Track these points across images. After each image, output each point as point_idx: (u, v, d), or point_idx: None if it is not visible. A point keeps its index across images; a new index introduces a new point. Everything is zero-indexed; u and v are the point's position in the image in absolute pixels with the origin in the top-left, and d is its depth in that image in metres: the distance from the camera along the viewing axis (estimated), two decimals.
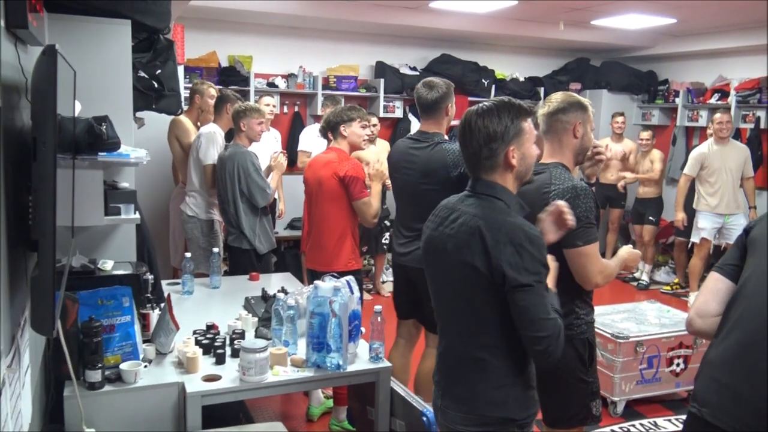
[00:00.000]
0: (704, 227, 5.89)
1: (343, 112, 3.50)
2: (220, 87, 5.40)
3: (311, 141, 5.34)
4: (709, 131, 6.31)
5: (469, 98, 7.44)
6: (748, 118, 6.89)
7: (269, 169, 4.14)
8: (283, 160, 4.16)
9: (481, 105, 1.85)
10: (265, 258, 4.05)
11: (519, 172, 1.84)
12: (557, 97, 2.37)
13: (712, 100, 7.20)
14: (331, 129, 3.51)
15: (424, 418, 2.23)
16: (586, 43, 7.56)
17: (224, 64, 6.51)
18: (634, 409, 3.86)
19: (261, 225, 4.00)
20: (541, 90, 7.85)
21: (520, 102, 1.87)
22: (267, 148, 4.77)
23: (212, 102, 4.59)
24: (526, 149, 1.83)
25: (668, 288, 6.65)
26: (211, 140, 4.22)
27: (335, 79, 6.81)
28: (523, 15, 6.46)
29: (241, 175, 3.87)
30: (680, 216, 6.05)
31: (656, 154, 6.80)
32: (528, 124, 1.83)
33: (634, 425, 3.70)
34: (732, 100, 6.91)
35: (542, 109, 2.37)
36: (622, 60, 8.14)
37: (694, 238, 6.02)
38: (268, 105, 5.15)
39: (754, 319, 1.58)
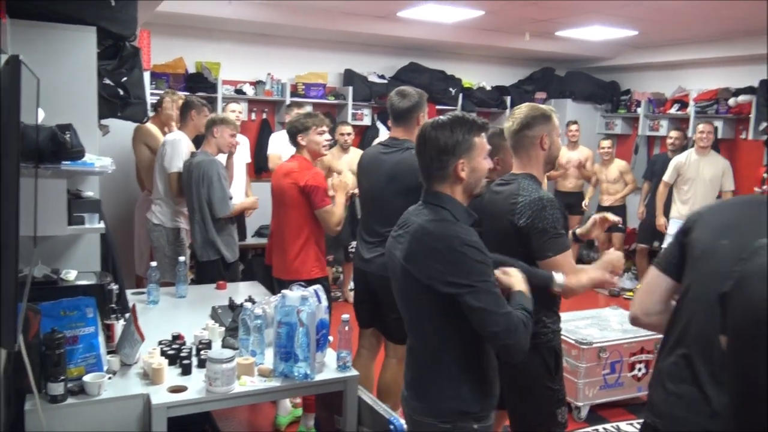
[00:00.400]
0: (672, 233, 6.05)
1: (298, 121, 3.50)
2: (186, 93, 5.36)
3: (281, 144, 5.32)
4: (668, 140, 6.50)
5: (437, 107, 7.51)
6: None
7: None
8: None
9: (437, 118, 1.93)
10: (232, 267, 4.03)
11: (468, 184, 1.91)
12: (521, 112, 2.39)
13: (672, 111, 7.39)
14: (290, 138, 3.53)
15: (391, 426, 2.24)
16: (551, 54, 7.70)
17: (191, 70, 6.47)
18: (597, 414, 3.93)
19: (228, 234, 3.98)
20: (508, 99, 7.97)
21: (475, 117, 1.94)
22: (235, 154, 4.74)
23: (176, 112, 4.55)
24: (477, 163, 1.90)
25: (631, 294, 6.79)
26: (176, 148, 4.18)
27: (304, 87, 6.82)
28: (490, 25, 6.56)
29: (205, 183, 3.84)
30: (661, 221, 6.20)
31: (623, 164, 6.93)
32: (480, 140, 1.91)
33: (597, 430, 3.77)
34: (691, 110, 7.11)
35: (507, 124, 2.41)
36: (585, 70, 8.31)
37: (664, 244, 6.19)
38: (234, 111, 5.13)
39: (696, 340, 1.59)
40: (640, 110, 7.75)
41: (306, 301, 2.35)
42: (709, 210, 1.77)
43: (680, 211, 5.98)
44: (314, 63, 7.05)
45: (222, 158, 4.12)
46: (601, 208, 7.07)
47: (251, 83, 6.71)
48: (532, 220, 2.23)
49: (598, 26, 6.31)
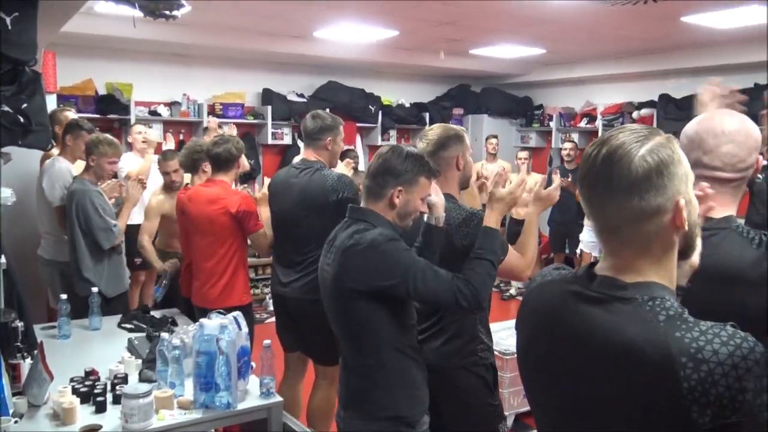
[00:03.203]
0: (583, 239, 6.33)
1: (238, 143, 3.43)
2: (86, 115, 5.15)
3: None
4: (563, 152, 6.86)
5: (358, 124, 7.58)
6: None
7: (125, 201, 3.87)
8: (135, 190, 3.88)
9: (402, 146, 2.08)
10: (114, 301, 3.73)
11: (399, 213, 2.02)
12: (435, 133, 2.40)
13: (582, 124, 7.75)
14: (226, 162, 3.37)
15: None
16: (466, 71, 7.92)
17: (102, 91, 6.25)
18: (522, 422, 4.03)
19: (110, 266, 3.72)
20: (426, 115, 8.12)
21: (432, 164, 2.06)
22: (150, 179, 4.60)
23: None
24: (413, 199, 2.02)
25: None
26: (55, 178, 3.89)
27: (221, 107, 6.72)
28: (406, 44, 6.68)
29: (80, 215, 3.59)
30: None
31: (538, 177, 7.17)
32: (425, 181, 2.02)
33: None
34: (599, 123, 7.46)
35: (421, 145, 2.41)
36: (500, 86, 8.59)
37: (578, 249, 6.48)
38: (140, 134, 4.97)
39: None
40: (552, 124, 8.08)
41: (225, 329, 2.30)
42: None
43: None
44: (231, 82, 6.97)
45: (137, 162, 3.85)
46: (513, 220, 7.28)
47: (166, 104, 6.55)
48: (474, 237, 2.21)
49: (508, 45, 6.54)
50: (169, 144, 5.20)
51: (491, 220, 2.13)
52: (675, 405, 0.93)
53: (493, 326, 4.39)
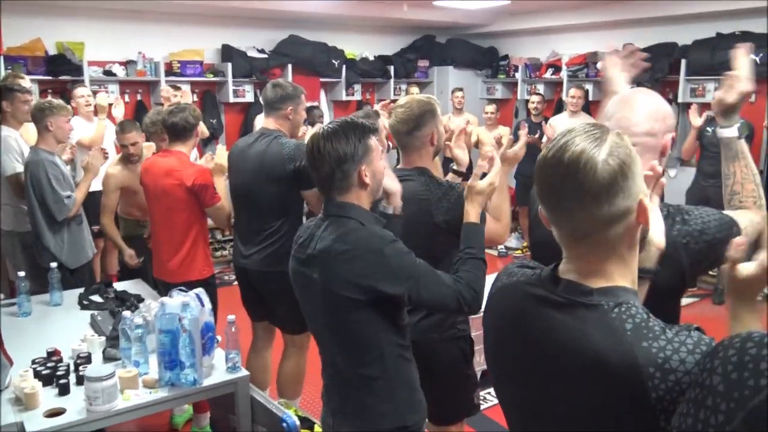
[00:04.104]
0: None
1: (194, 111, 3.30)
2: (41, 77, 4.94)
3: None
4: (531, 104, 6.81)
5: (321, 79, 7.44)
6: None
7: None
8: (97, 161, 3.80)
9: (326, 128, 1.86)
10: (78, 272, 3.68)
11: (372, 189, 1.88)
12: (410, 111, 2.31)
13: (547, 75, 7.71)
14: (183, 132, 3.25)
15: (284, 424, 2.25)
16: (431, 22, 7.77)
17: (52, 52, 5.99)
18: (488, 377, 4.12)
19: (70, 237, 3.65)
20: (391, 68, 8.00)
21: (363, 120, 1.89)
22: (105, 145, 4.48)
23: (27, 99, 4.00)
24: (375, 166, 1.87)
25: (519, 252, 7.14)
26: (5, 148, 3.78)
27: (179, 65, 6.51)
28: None
29: (35, 186, 3.51)
30: None
31: (506, 131, 7.16)
32: (374, 141, 1.87)
33: (490, 392, 3.96)
34: (564, 74, 7.44)
35: (393, 122, 2.33)
36: (465, 37, 8.47)
37: None
38: (82, 96, 4.81)
39: None
40: (518, 75, 8.02)
41: (188, 306, 2.28)
42: None
43: None
44: (189, 39, 6.73)
45: (85, 127, 3.68)
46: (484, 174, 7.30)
47: (121, 63, 6.32)
48: (455, 212, 2.19)
49: None
50: (119, 108, 5.02)
51: (472, 215, 2.00)
52: (643, 414, 0.94)
53: None
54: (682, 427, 0.73)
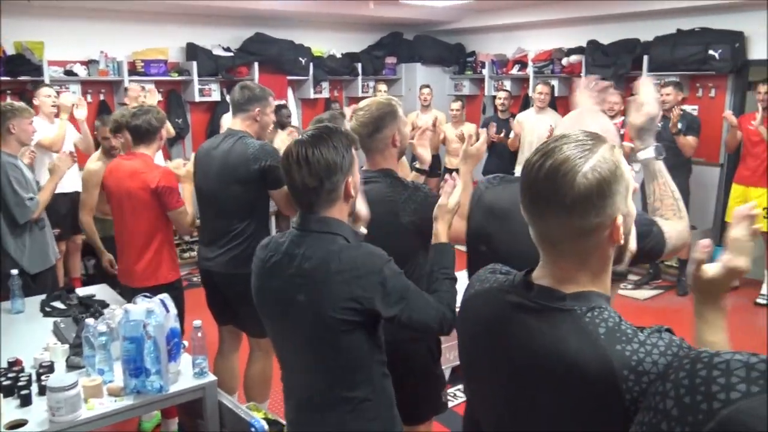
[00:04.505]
0: None
1: (158, 113, 3.24)
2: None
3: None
4: (497, 101, 6.85)
5: (288, 77, 7.39)
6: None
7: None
8: (64, 164, 3.69)
9: (311, 135, 1.73)
10: (40, 278, 3.57)
11: (353, 202, 1.79)
12: (369, 113, 2.29)
13: (514, 71, 7.77)
14: (147, 134, 3.19)
15: (252, 429, 2.24)
16: (398, 19, 7.78)
17: (10, 52, 5.84)
18: (458, 374, 4.16)
19: (32, 241, 3.55)
20: (359, 66, 7.98)
21: (346, 130, 1.80)
22: (66, 147, 4.39)
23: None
24: (356, 178, 1.78)
25: None
26: None
27: (143, 64, 6.41)
28: None
29: None
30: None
31: (472, 127, 7.20)
32: (354, 153, 1.78)
33: (459, 389, 4.00)
34: (530, 70, 7.51)
35: (354, 125, 2.31)
36: (432, 34, 8.50)
37: None
38: (49, 96, 4.71)
39: None
40: (485, 71, 8.07)
41: (152, 313, 2.25)
42: None
43: (517, 170, 6.36)
44: (153, 38, 6.63)
45: (46, 127, 3.56)
46: (447, 171, 7.34)
47: (83, 63, 6.20)
48: (422, 213, 2.18)
49: None
50: (81, 110, 4.91)
51: (441, 234, 1.93)
52: (618, 417, 0.96)
53: None
54: None
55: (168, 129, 3.33)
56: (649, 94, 1.80)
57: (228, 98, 7.00)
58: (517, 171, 6.32)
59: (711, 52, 5.87)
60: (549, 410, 1.06)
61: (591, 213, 1.04)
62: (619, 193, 1.06)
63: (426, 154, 2.53)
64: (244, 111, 3.09)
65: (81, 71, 6.13)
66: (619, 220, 1.06)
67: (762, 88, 5.32)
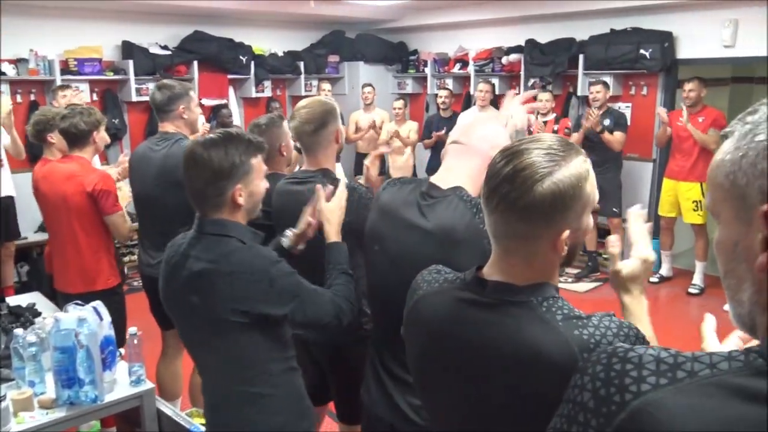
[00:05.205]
0: None
1: (90, 115, 3.13)
2: None
3: None
4: (438, 99, 6.90)
5: (229, 76, 7.28)
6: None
7: None
8: None
9: (207, 137, 1.77)
10: None
11: (247, 210, 1.81)
12: (313, 111, 2.31)
13: (455, 70, 7.86)
14: (77, 138, 3.09)
15: None
16: (340, 17, 7.75)
17: None
18: None
19: None
20: (301, 64, 7.92)
21: (251, 136, 1.82)
22: None
23: None
24: (255, 187, 1.79)
25: None
26: None
27: (76, 63, 6.19)
28: None
29: None
30: None
31: (414, 125, 7.26)
32: (258, 162, 1.79)
33: None
34: (471, 69, 7.60)
35: (296, 124, 2.33)
36: (375, 32, 8.50)
37: None
38: None
39: None
40: (427, 70, 8.13)
41: (84, 321, 2.19)
42: None
43: None
44: (86, 35, 6.40)
45: None
46: (392, 170, 7.38)
47: (11, 62, 5.93)
48: (356, 213, 2.18)
49: None
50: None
51: (332, 234, 2.00)
52: None
53: None
54: None
55: (102, 136, 3.18)
56: (513, 109, 1.87)
57: (150, 103, 6.89)
58: None
59: (642, 51, 6.08)
60: (515, 401, 1.09)
61: (539, 222, 1.08)
62: (573, 210, 1.09)
63: (375, 179, 2.60)
64: (169, 112, 3.04)
65: (9, 70, 5.87)
66: (565, 234, 1.09)
67: (687, 86, 5.55)
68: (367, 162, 2.69)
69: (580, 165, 1.10)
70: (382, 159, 7.27)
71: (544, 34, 6.97)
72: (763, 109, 0.69)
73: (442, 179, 1.69)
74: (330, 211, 2.01)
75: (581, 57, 6.55)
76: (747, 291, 0.70)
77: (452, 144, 1.73)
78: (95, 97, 6.47)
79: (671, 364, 0.67)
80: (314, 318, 1.80)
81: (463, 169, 1.69)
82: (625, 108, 6.37)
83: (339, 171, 2.14)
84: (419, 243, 1.60)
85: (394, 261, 1.48)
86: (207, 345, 1.82)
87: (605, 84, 5.95)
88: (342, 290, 1.89)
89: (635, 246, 1.33)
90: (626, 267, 1.32)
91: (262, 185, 1.83)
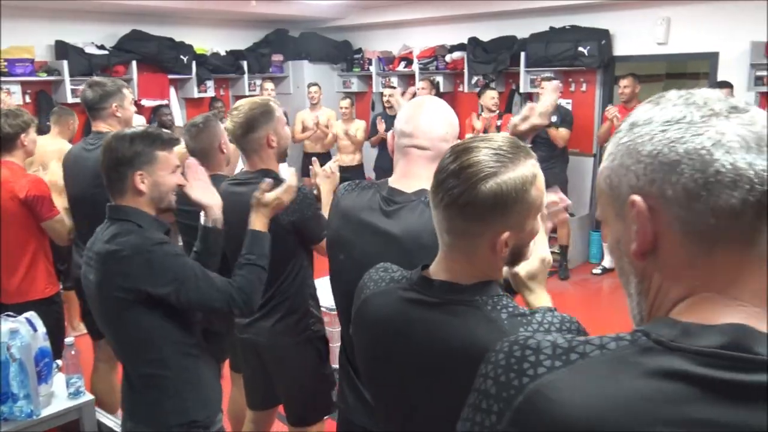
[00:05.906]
0: None
1: (16, 117, 3.00)
2: None
3: None
4: (384, 98, 6.92)
5: (170, 76, 7.12)
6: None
7: None
8: None
9: (122, 130, 1.96)
10: None
11: (152, 198, 1.90)
12: (242, 113, 2.29)
13: (400, 68, 7.89)
14: (3, 142, 2.95)
15: None
16: (282, 15, 7.67)
17: None
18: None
19: None
20: (244, 63, 7.81)
21: (163, 132, 1.94)
22: None
23: None
24: (159, 177, 1.90)
25: None
26: None
27: (6, 63, 5.94)
28: None
29: None
30: None
31: (362, 124, 7.23)
32: (165, 154, 1.91)
33: None
34: (415, 67, 7.64)
35: (229, 126, 2.31)
36: (319, 31, 8.44)
37: None
38: None
39: None
40: (372, 68, 8.13)
41: (17, 333, 2.10)
42: None
43: None
44: (17, 35, 6.13)
45: None
46: (342, 168, 7.32)
47: None
48: (300, 212, 2.21)
49: None
50: None
51: (258, 223, 2.02)
52: None
53: (317, 282, 4.48)
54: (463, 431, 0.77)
55: (32, 138, 3.04)
56: (547, 106, 1.74)
57: (81, 102, 6.68)
58: None
59: (580, 48, 6.23)
60: (462, 399, 1.09)
61: (478, 221, 1.08)
62: (514, 212, 1.08)
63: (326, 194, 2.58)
64: (102, 110, 2.95)
65: None
66: (505, 236, 1.08)
67: (622, 83, 5.72)
68: (315, 168, 2.66)
69: (528, 168, 1.10)
70: (329, 157, 7.23)
71: (486, 32, 7.06)
72: (631, 116, 0.74)
73: (404, 183, 1.62)
74: (266, 202, 2.03)
75: (523, 54, 6.66)
76: (632, 283, 0.75)
77: (411, 148, 1.61)
78: (28, 99, 6.23)
79: (566, 348, 0.70)
80: (199, 302, 1.85)
81: (425, 171, 1.61)
82: (566, 104, 6.51)
83: (288, 171, 2.11)
84: (385, 249, 1.55)
85: (360, 267, 1.45)
86: (108, 327, 1.91)
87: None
88: (240, 281, 1.93)
89: (534, 246, 1.31)
90: (523, 269, 1.34)
91: (171, 178, 1.93)
